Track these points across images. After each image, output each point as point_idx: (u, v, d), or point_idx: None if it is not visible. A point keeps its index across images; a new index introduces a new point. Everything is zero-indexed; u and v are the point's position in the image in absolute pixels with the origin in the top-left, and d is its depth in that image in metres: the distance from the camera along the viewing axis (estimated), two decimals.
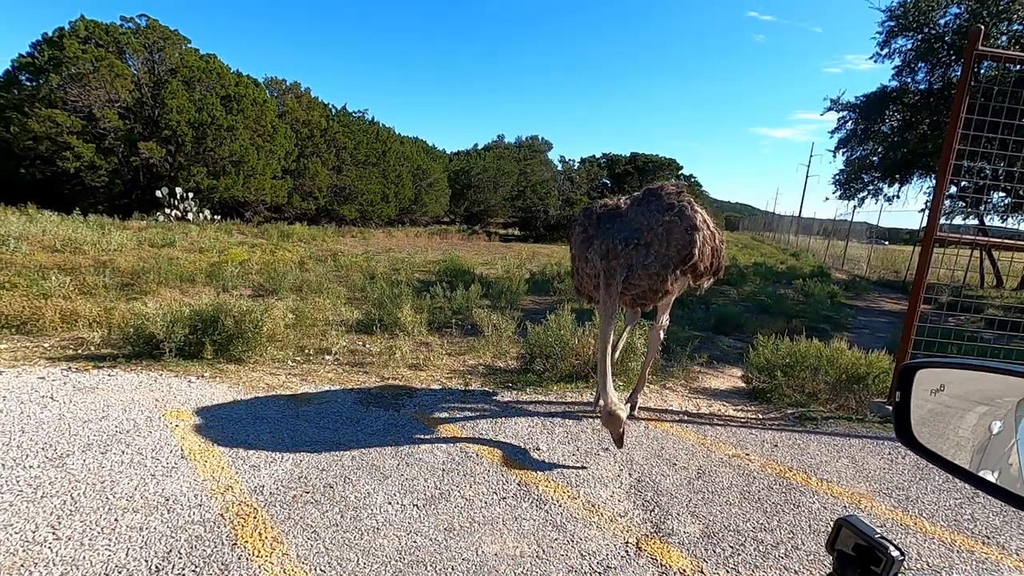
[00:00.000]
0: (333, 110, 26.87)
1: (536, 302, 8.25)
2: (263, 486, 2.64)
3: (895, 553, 0.64)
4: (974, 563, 2.38)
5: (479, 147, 34.64)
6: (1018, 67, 8.61)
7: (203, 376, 4.20)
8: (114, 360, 4.42)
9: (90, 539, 2.17)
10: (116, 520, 2.29)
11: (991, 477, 0.78)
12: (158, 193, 18.26)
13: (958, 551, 2.46)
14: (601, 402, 3.03)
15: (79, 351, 4.65)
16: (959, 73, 11.08)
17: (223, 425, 3.34)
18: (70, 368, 4.19)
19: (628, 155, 33.76)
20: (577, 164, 32.95)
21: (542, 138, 34.86)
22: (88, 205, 17.89)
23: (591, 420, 3.72)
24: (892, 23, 11.48)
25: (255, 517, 2.38)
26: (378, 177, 26.47)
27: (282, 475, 2.76)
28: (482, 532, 2.39)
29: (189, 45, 21.14)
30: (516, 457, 3.14)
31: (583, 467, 3.06)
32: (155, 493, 2.51)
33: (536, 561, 2.22)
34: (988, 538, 2.58)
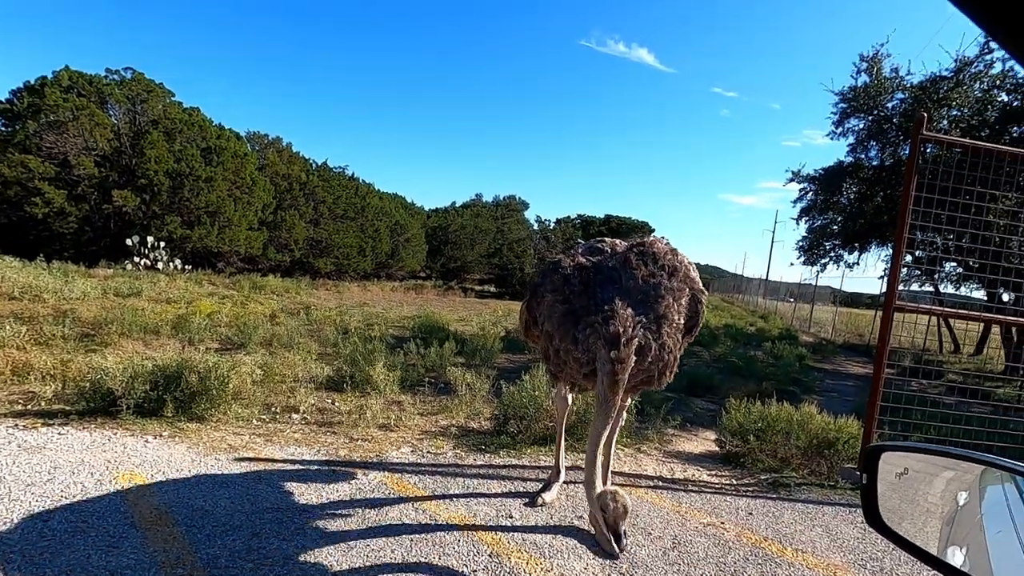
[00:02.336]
0: (314, 165, 27.22)
1: (511, 360, 8.20)
2: (218, 557, 2.48)
3: None
4: None
5: (457, 204, 35.27)
6: (959, 149, 9.33)
7: (161, 436, 4.00)
8: (66, 417, 4.19)
9: None
10: None
11: (959, 554, 0.80)
12: (128, 241, 17.92)
13: None
14: (589, 507, 2.63)
15: (29, 406, 4.40)
16: (908, 152, 11.91)
17: (179, 490, 3.16)
18: (16, 425, 3.95)
19: (602, 216, 34.78)
20: (553, 224, 33.74)
21: (519, 198, 35.73)
22: (53, 251, 17.42)
23: (565, 486, 3.63)
24: (845, 105, 12.38)
25: None
26: (355, 231, 26.57)
27: (239, 546, 2.60)
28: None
29: (173, 98, 21.45)
30: (488, 525, 3.03)
31: (556, 536, 2.96)
32: (99, 566, 2.33)
33: None
34: None
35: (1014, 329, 9.99)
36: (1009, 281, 5.84)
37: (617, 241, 3.01)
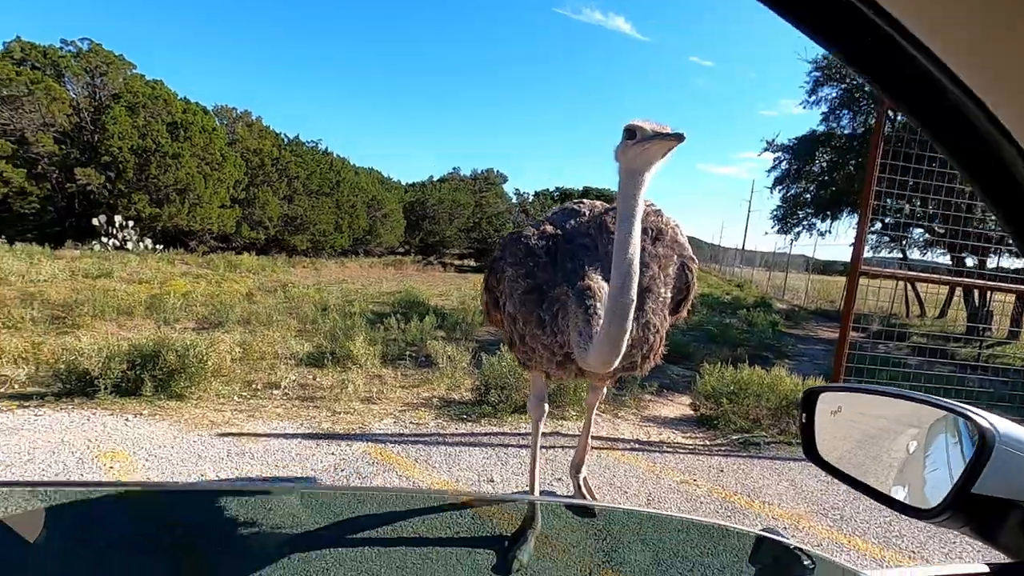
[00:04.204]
0: (286, 139, 26.56)
1: (491, 332, 8.28)
2: (203, 525, 2.53)
3: (807, 562, 0.72)
4: None
5: (435, 179, 34.87)
6: None
7: (141, 414, 4.00)
8: (42, 399, 4.15)
9: None
10: None
11: (902, 493, 0.89)
12: (95, 221, 17.40)
13: (887, 565, 2.61)
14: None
15: (2, 390, 4.34)
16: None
17: (163, 465, 3.18)
18: None
19: (581, 188, 34.77)
20: (531, 197, 33.66)
21: (497, 171, 35.42)
22: (15, 233, 16.85)
23: (544, 451, 3.75)
24: (818, 74, 12.48)
25: (195, 561, 2.28)
26: (331, 207, 26.16)
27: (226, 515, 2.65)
28: (435, 569, 2.36)
29: (134, 71, 20.60)
30: (470, 489, 3.13)
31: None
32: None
33: None
34: (914, 553, 2.75)
35: (975, 292, 10.38)
36: (970, 245, 6.04)
37: (597, 203, 2.53)
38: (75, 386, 4.25)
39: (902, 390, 0.78)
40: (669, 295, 2.30)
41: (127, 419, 3.88)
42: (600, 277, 2.07)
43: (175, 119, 19.95)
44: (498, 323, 2.63)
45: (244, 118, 25.32)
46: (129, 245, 17.76)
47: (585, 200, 2.56)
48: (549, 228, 2.35)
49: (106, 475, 3.00)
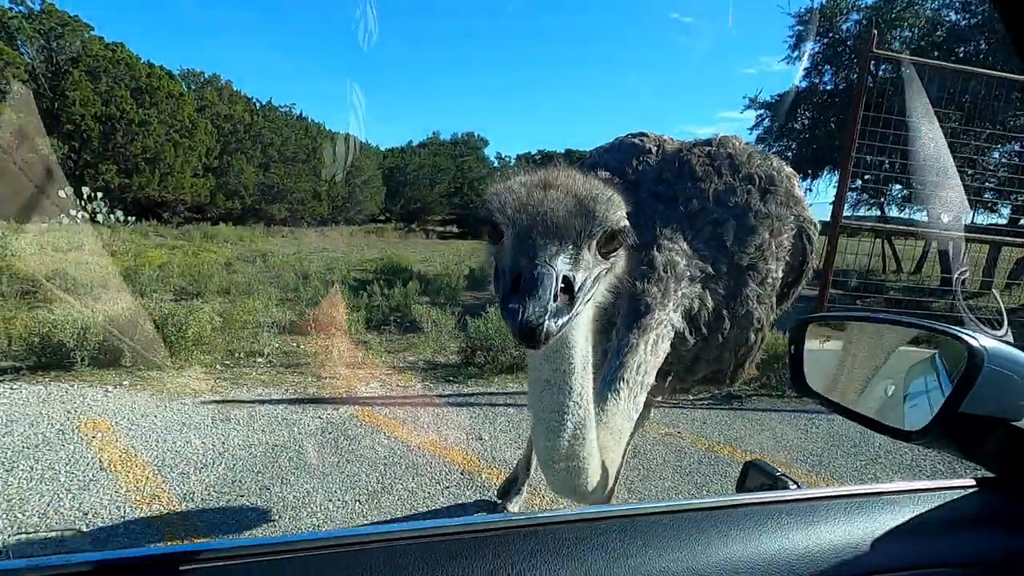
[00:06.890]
0: (258, 104, 25.66)
1: (476, 297, 8.27)
2: (193, 492, 2.53)
3: (792, 487, 0.72)
4: None
5: (414, 143, 34.16)
6: (909, 70, 9.50)
7: (121, 385, 3.93)
8: (16, 373, 4.06)
9: None
10: None
11: (887, 419, 0.90)
12: (61, 193, 16.76)
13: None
14: None
15: None
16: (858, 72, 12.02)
17: (147, 434, 3.15)
18: None
19: (563, 151, 34.37)
20: (513, 161, 33.21)
21: (478, 135, 34.80)
22: None
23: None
24: (801, 28, 12.32)
25: (185, 525, 2.28)
26: (308, 174, 25.54)
27: (214, 480, 2.64)
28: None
29: (92, 33, 19.55)
30: (459, 447, 3.16)
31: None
32: (71, 508, 2.34)
33: None
34: None
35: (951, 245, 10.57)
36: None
37: (666, 137, 1.86)
38: (51, 359, 4.16)
39: (893, 316, 0.77)
40: (780, 274, 1.61)
41: (107, 390, 3.81)
42: (679, 244, 1.46)
43: (140, 84, 19.10)
44: None
45: (213, 82, 24.34)
46: (99, 217, 17.19)
47: (648, 134, 1.85)
48: (604, 174, 1.61)
49: (88, 445, 2.96)
